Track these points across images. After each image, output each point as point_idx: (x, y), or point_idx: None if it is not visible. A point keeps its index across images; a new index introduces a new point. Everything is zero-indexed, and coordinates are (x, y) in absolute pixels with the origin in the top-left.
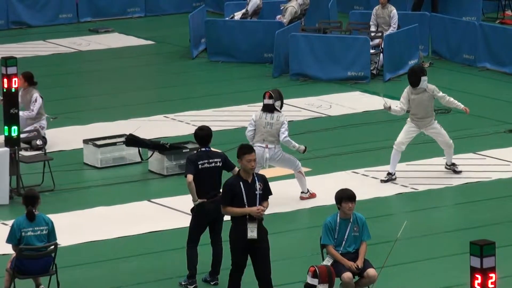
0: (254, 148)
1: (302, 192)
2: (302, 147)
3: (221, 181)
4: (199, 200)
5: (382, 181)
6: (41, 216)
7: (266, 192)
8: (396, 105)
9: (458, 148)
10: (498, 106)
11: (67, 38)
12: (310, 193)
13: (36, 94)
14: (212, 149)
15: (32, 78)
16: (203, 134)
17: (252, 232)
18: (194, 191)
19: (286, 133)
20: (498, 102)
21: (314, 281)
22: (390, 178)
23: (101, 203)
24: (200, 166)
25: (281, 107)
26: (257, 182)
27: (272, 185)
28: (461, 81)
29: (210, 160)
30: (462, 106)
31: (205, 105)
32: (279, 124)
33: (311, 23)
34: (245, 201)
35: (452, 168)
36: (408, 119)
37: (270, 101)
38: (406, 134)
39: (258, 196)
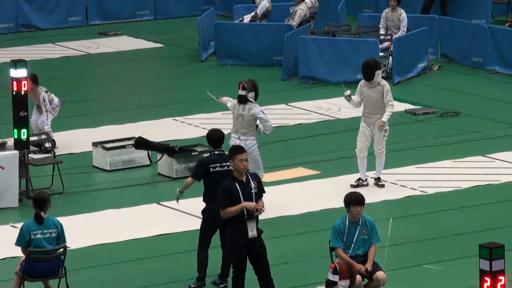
0: (230, 139)
1: None
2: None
3: None
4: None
5: (351, 186)
6: (50, 219)
7: (261, 191)
8: (356, 98)
9: (467, 151)
10: (507, 109)
11: (76, 41)
12: None
13: (43, 94)
14: (226, 152)
15: (36, 78)
16: (216, 137)
17: (252, 231)
18: (186, 187)
19: (267, 123)
20: (507, 105)
21: (335, 278)
22: (360, 183)
23: (110, 206)
24: (211, 169)
25: (255, 99)
26: (251, 181)
27: (279, 188)
28: (470, 84)
29: (222, 164)
30: (382, 120)
31: (214, 108)
32: (250, 116)
33: (320, 26)
34: (242, 201)
35: (376, 182)
36: (361, 117)
37: (243, 92)
38: (361, 137)
39: (253, 194)
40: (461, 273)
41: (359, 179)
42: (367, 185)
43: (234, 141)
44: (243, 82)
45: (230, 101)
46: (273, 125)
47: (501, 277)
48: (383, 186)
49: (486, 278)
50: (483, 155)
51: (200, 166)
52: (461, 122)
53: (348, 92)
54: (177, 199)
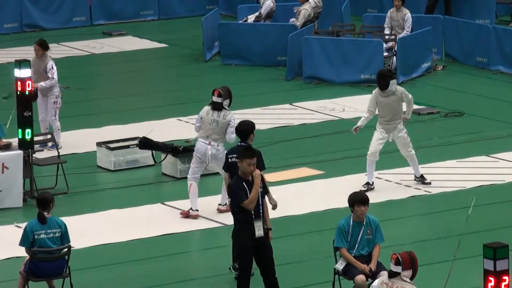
0: (197, 143)
1: (219, 204)
2: None
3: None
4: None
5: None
6: (53, 219)
7: (265, 189)
8: (363, 116)
9: (471, 151)
10: (511, 109)
11: (80, 41)
12: (227, 206)
13: (51, 62)
14: (251, 146)
15: (46, 44)
16: (241, 129)
17: (259, 230)
18: (226, 182)
19: (233, 135)
20: (511, 105)
21: (398, 268)
22: (369, 187)
23: (114, 206)
24: (229, 159)
25: (229, 106)
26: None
27: (283, 188)
28: (474, 84)
29: (236, 155)
30: (406, 117)
31: None
32: (225, 123)
33: (324, 26)
34: None
35: (421, 180)
36: (377, 124)
37: (219, 100)
38: (376, 142)
39: (260, 194)
40: (465, 273)
41: (367, 183)
42: (373, 189)
43: (203, 146)
44: (219, 89)
45: (198, 121)
46: (278, 125)
47: (506, 277)
48: (429, 183)
49: (490, 278)
50: (487, 155)
51: (225, 159)
52: (465, 122)
53: (355, 127)
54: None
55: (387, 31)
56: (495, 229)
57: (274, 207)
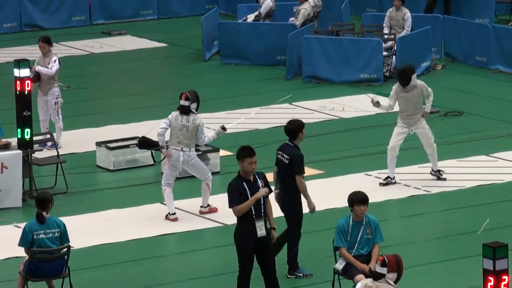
0: (169, 150)
1: (201, 206)
2: (221, 130)
3: (289, 175)
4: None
5: (380, 184)
6: (52, 219)
7: (268, 188)
8: (385, 102)
9: (470, 150)
10: (510, 108)
11: (80, 41)
12: (210, 208)
13: (55, 57)
14: (296, 146)
15: (51, 40)
16: (290, 128)
17: (261, 230)
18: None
19: (204, 137)
20: (510, 104)
21: (383, 270)
22: (390, 181)
23: (114, 205)
24: (277, 155)
25: (197, 109)
26: (258, 180)
27: None
28: (473, 83)
29: (283, 154)
30: (426, 111)
31: (218, 108)
32: (194, 127)
33: (324, 25)
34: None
35: (437, 175)
36: (398, 119)
37: (186, 103)
38: (396, 136)
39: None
40: (465, 272)
41: (388, 177)
42: (395, 183)
43: (175, 153)
44: (186, 92)
45: (165, 123)
46: (277, 125)
47: (505, 277)
48: (444, 179)
49: (490, 278)
50: (487, 155)
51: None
52: (464, 121)
53: (375, 99)
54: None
55: (386, 31)
56: (494, 229)
57: (313, 210)
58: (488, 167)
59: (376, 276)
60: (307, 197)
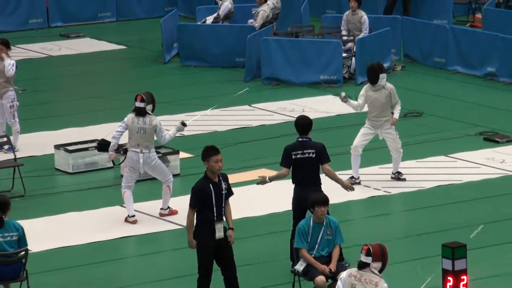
0: (129, 153)
1: (161, 209)
2: (181, 126)
3: (317, 168)
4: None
5: None
6: (10, 222)
7: (229, 191)
8: (354, 101)
9: (429, 151)
10: (469, 109)
11: (37, 43)
12: (170, 210)
13: (13, 61)
14: (311, 139)
15: (9, 43)
16: (303, 123)
17: (219, 232)
18: (278, 177)
19: (165, 135)
20: (469, 105)
21: (368, 259)
22: (354, 182)
23: (73, 208)
24: (293, 156)
25: (152, 111)
26: (222, 182)
27: (242, 189)
28: (432, 84)
29: (304, 151)
30: (395, 117)
31: (178, 110)
32: (152, 129)
33: (283, 27)
34: (213, 202)
35: (397, 176)
36: (366, 120)
37: (142, 104)
38: (361, 137)
39: (223, 195)
40: (424, 273)
41: (352, 177)
42: (359, 183)
43: (135, 155)
44: (141, 94)
45: (121, 127)
46: (237, 127)
47: (464, 277)
48: (404, 179)
49: (449, 278)
50: (446, 155)
51: (285, 155)
52: (423, 122)
53: (343, 94)
54: (262, 183)
55: (344, 33)
56: (453, 229)
57: (348, 187)
58: (447, 168)
59: (361, 266)
60: (339, 180)
